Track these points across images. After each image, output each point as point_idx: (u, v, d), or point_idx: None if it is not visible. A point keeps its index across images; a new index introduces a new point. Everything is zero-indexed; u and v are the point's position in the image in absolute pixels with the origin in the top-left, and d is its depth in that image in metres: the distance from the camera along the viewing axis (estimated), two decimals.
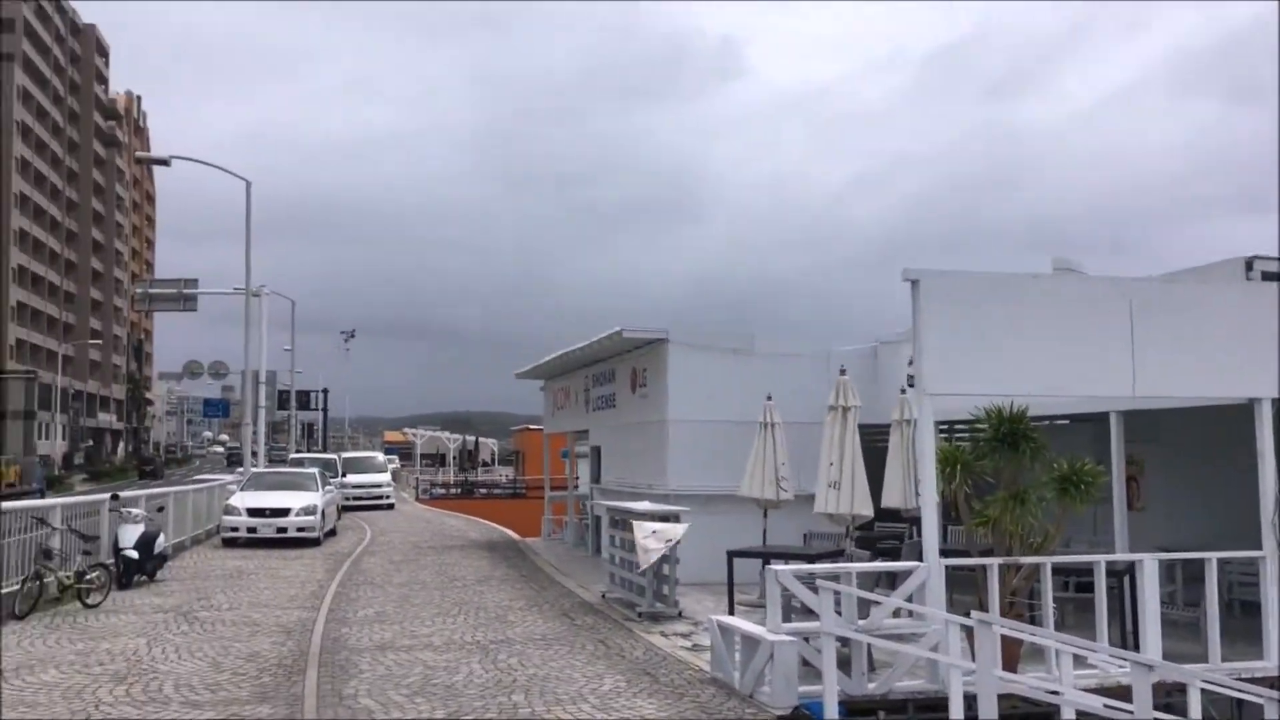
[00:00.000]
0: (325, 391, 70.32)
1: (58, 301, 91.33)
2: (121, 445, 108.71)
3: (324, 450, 57.49)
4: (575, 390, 19.71)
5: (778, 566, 7.66)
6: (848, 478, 9.56)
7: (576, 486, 24.66)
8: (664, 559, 11.56)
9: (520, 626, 11.12)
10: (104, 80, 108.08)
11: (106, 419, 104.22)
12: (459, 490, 51.14)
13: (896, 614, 8.35)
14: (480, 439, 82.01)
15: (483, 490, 51.90)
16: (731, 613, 11.09)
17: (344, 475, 33.12)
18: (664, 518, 11.60)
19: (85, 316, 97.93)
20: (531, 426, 56.61)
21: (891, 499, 11.69)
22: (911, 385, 13.49)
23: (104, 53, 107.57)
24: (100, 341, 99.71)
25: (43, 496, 54.90)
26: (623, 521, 12.59)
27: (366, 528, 25.99)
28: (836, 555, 10.93)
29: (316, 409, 69.06)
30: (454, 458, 71.08)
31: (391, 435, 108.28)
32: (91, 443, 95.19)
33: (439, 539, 23.22)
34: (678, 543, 11.32)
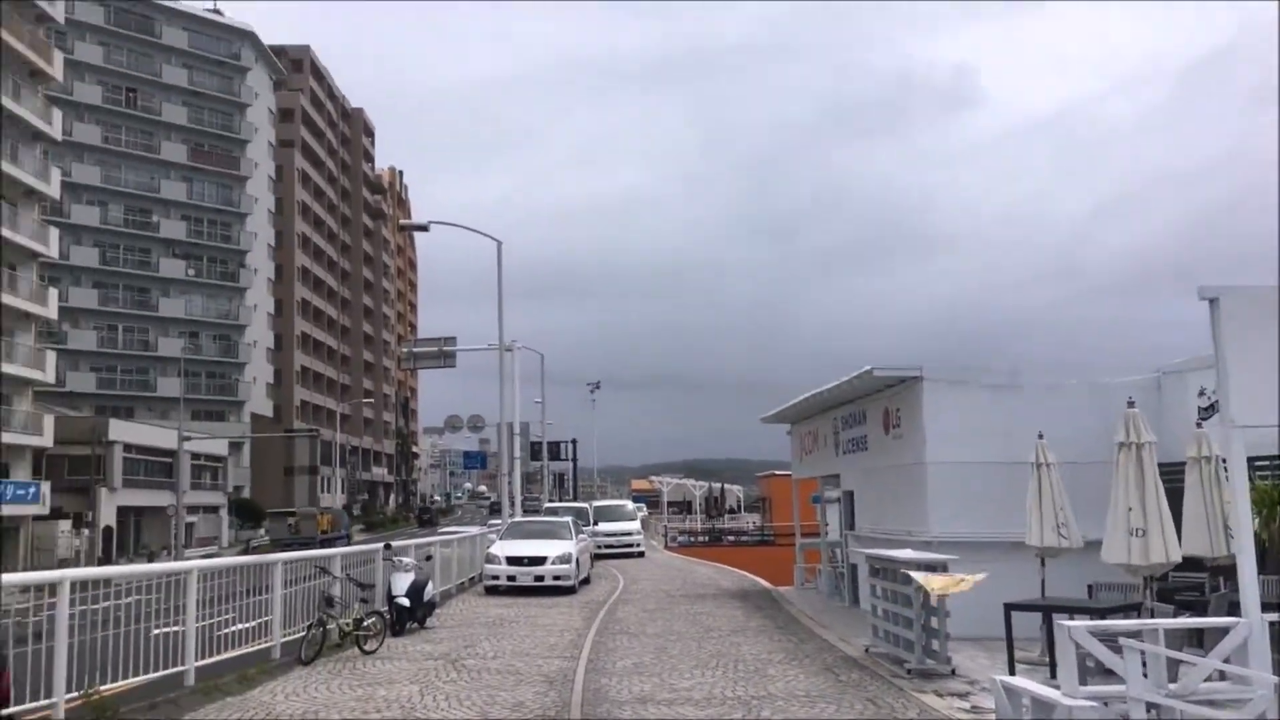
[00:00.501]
0: (574, 442, 72.37)
1: (335, 364, 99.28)
2: (392, 497, 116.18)
3: (575, 499, 59.09)
4: (824, 433, 19.15)
5: (1072, 623, 6.90)
6: (1154, 523, 8.56)
7: (826, 533, 23.94)
8: (933, 612, 10.85)
9: (781, 681, 10.68)
10: (370, 158, 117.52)
11: (379, 472, 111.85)
12: (706, 538, 51.12)
13: (1210, 677, 7.35)
14: (725, 485, 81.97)
15: (730, 537, 51.65)
16: (1012, 671, 10.23)
17: (595, 523, 33.75)
18: (929, 567, 10.89)
19: (359, 377, 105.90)
20: (777, 472, 55.96)
21: (1192, 546, 10.47)
22: (1206, 417, 12.17)
23: (370, 133, 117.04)
24: (372, 400, 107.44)
25: (349, 543, 59.35)
26: (884, 571, 11.95)
27: (619, 575, 26.25)
28: (1132, 609, 9.87)
29: (566, 459, 71.16)
30: (700, 505, 71.30)
31: (638, 483, 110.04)
32: (366, 495, 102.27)
33: (690, 587, 23.10)
34: (945, 596, 10.59)
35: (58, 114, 51.63)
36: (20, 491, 43.54)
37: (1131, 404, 9.70)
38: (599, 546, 30.76)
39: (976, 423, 13.67)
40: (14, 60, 46.27)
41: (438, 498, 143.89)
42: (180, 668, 9.96)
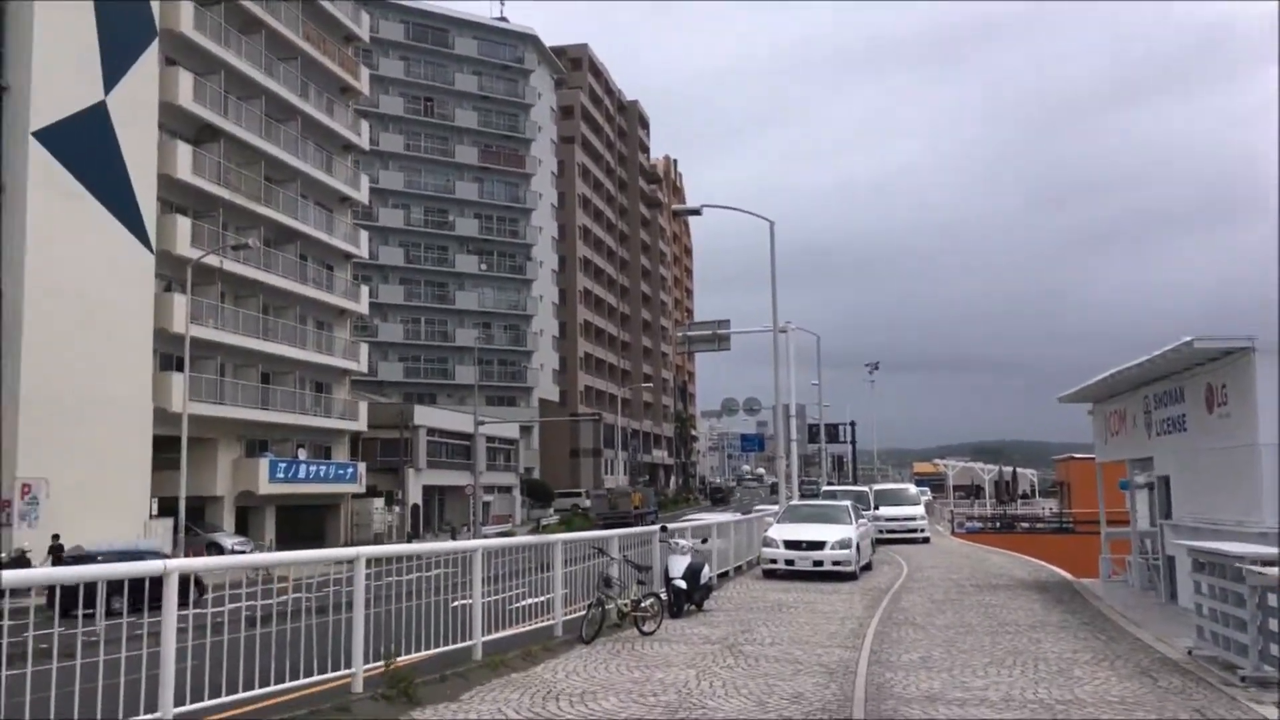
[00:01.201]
0: (852, 424, 70.83)
1: (615, 350, 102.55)
2: (672, 479, 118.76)
3: (854, 483, 57.79)
4: (1132, 413, 17.37)
5: None
6: None
7: (1135, 522, 21.84)
8: (1272, 613, 9.42)
9: (1089, 685, 9.64)
10: (645, 149, 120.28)
11: (659, 455, 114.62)
12: (997, 524, 48.48)
13: None
14: (1018, 469, 77.62)
15: (1024, 524, 48.73)
16: None
17: (876, 508, 32.71)
18: (1268, 562, 9.46)
19: (638, 362, 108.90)
20: (1077, 455, 52.18)
21: None
22: None
23: (645, 124, 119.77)
24: (651, 384, 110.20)
25: (655, 521, 62.39)
26: (1212, 566, 10.56)
27: (902, 562, 25.23)
28: None
29: (845, 442, 69.83)
30: (990, 489, 67.87)
31: (921, 467, 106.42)
32: (647, 477, 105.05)
33: (981, 577, 21.79)
34: None
35: (365, 126, 56.10)
36: (341, 471, 47.86)
37: None
38: (880, 531, 29.75)
39: None
40: (327, 79, 50.68)
41: (718, 480, 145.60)
42: (469, 642, 10.28)
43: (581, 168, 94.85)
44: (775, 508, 29.01)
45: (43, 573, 6.16)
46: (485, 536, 46.76)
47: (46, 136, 32.77)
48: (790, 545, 20.64)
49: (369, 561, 8.87)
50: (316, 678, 8.07)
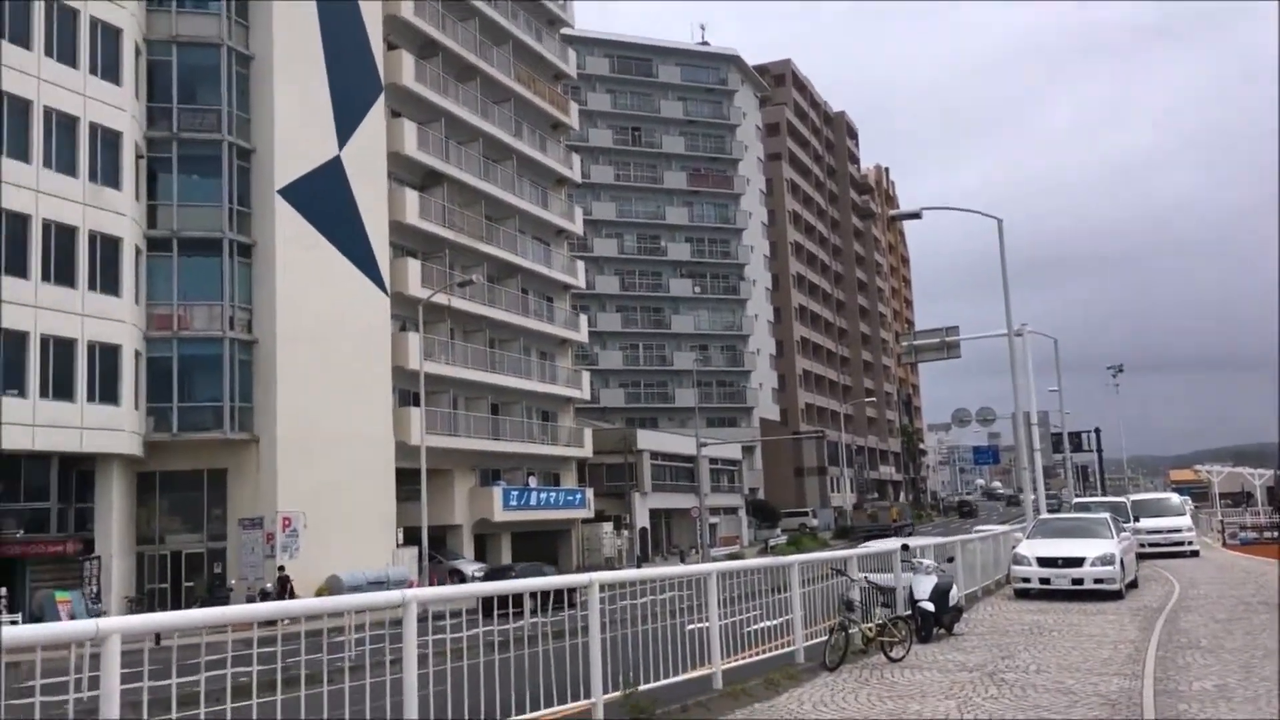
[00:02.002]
0: (1097, 431, 66.40)
1: (834, 366, 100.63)
2: (901, 495, 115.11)
3: (1101, 493, 53.92)
4: None
5: None
6: None
7: None
8: None
9: None
10: (854, 159, 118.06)
11: (886, 471, 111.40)
12: (1277, 533, 43.83)
13: None
14: None
15: None
16: None
17: (1135, 519, 30.14)
18: None
19: (859, 377, 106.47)
20: None
21: None
22: None
23: (853, 135, 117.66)
24: (874, 399, 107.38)
25: (911, 534, 62.30)
26: None
27: (1170, 579, 22.99)
28: None
29: (1089, 450, 65.45)
30: (1261, 496, 61.74)
31: (1178, 474, 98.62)
32: (875, 494, 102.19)
33: (1270, 593, 19.45)
34: None
35: (577, 159, 57.51)
36: (570, 497, 48.83)
37: None
38: (1141, 545, 27.32)
39: None
40: (538, 117, 52.28)
41: (955, 495, 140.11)
42: (707, 670, 9.82)
43: (790, 183, 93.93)
44: (986, 528, 27.17)
45: (278, 606, 6.15)
46: (714, 559, 46.46)
47: (289, 193, 35.22)
48: (1044, 563, 19.11)
49: (601, 586, 8.58)
50: (556, 708, 7.82)
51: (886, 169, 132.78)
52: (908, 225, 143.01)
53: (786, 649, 11.62)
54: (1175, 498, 36.43)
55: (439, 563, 37.98)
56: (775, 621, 11.91)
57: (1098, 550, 19.05)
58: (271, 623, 6.44)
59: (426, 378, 37.44)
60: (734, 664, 10.60)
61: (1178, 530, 31.80)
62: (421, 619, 7.53)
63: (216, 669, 6.17)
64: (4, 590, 27.02)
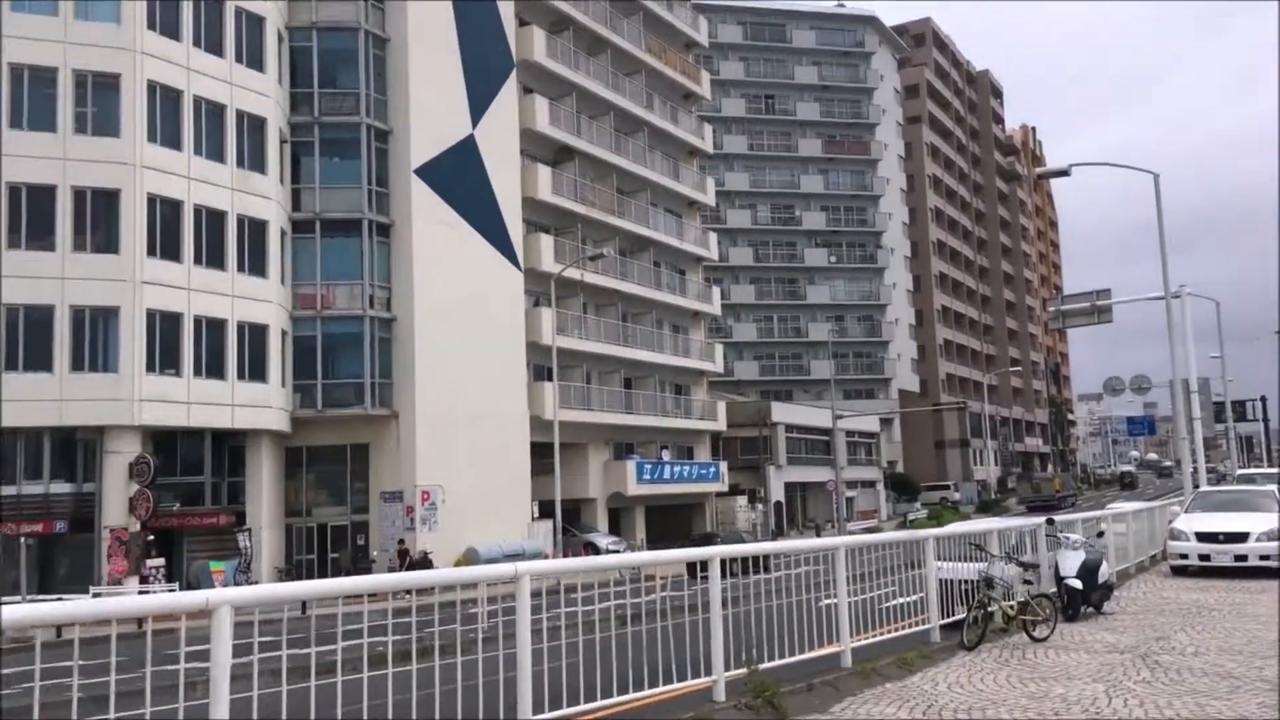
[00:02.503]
0: (1263, 399, 62.46)
1: (977, 335, 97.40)
2: (1050, 467, 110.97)
3: (1267, 465, 50.68)
4: None
5: None
6: None
7: None
8: None
9: None
10: (999, 120, 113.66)
11: (1033, 443, 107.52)
12: None
13: None
14: None
15: None
16: None
17: None
18: None
19: (1003, 346, 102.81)
20: None
21: None
22: None
23: (998, 94, 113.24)
24: (1020, 368, 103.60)
25: (1074, 505, 61.11)
26: None
27: None
28: None
29: (1255, 420, 61.71)
30: None
31: None
32: (1021, 467, 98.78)
33: None
34: None
35: (709, 130, 56.99)
36: (704, 470, 48.72)
37: None
38: None
39: None
40: (669, 88, 51.95)
41: (1107, 467, 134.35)
42: (836, 648, 9.49)
43: (930, 147, 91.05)
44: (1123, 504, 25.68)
45: (395, 578, 6.15)
46: (850, 533, 45.75)
47: (425, 172, 35.95)
48: (1203, 538, 17.97)
49: (725, 561, 8.35)
50: (676, 685, 7.64)
51: (1033, 129, 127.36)
52: (1056, 188, 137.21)
53: (921, 627, 11.17)
54: None
55: (573, 536, 38.45)
56: (909, 599, 11.46)
57: (1263, 525, 17.79)
58: (407, 592, 6.47)
59: (560, 352, 37.79)
60: (864, 642, 10.24)
61: None
62: (554, 592, 7.50)
63: (353, 639, 6.24)
64: (162, 560, 28.62)
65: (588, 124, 44.73)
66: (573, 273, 40.13)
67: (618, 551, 35.78)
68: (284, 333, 33.22)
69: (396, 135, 35.89)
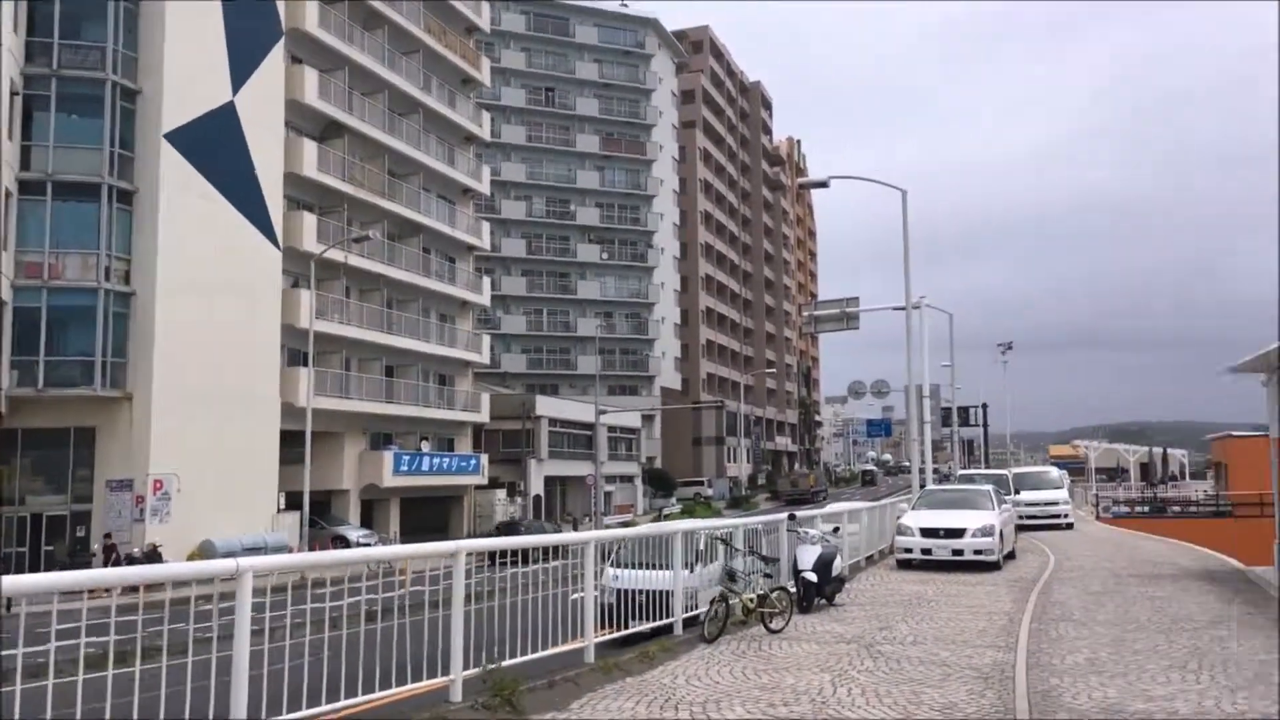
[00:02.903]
0: (984, 407, 68.12)
1: (738, 337, 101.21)
2: (796, 466, 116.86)
3: (985, 467, 55.30)
4: None
5: None
6: None
7: None
8: None
9: None
10: (768, 130, 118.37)
11: (783, 442, 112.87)
12: (1147, 508, 45.61)
13: None
14: (1168, 450, 73.42)
15: (1175, 508, 45.71)
16: None
17: (1016, 492, 30.89)
18: None
19: (761, 348, 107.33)
20: (1235, 434, 48.75)
21: None
22: None
23: (767, 105, 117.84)
24: (774, 370, 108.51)
25: (826, 500, 64.14)
26: None
27: (1047, 550, 23.57)
28: None
29: (976, 425, 67.18)
30: (1135, 472, 64.29)
31: (1057, 449, 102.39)
32: (770, 465, 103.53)
33: (1139, 565, 20.05)
34: None
35: (487, 117, 56.27)
36: (464, 463, 48.10)
37: None
38: (1020, 517, 27.99)
39: None
40: (448, 71, 50.91)
41: (847, 466, 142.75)
42: (580, 643, 9.49)
43: (703, 152, 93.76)
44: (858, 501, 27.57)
45: (95, 574, 5.62)
46: (606, 527, 46.43)
47: (177, 137, 33.56)
48: (927, 533, 19.33)
49: (471, 555, 8.15)
50: (412, 685, 7.39)
51: (799, 142, 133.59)
52: (816, 201, 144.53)
53: (665, 620, 11.37)
54: (1054, 472, 37.50)
55: (322, 528, 37.01)
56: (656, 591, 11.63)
57: (979, 522, 19.34)
58: (134, 589, 5.95)
59: (318, 337, 36.28)
60: (610, 636, 10.31)
61: (1055, 503, 32.75)
62: (299, 587, 7.07)
63: (68, 638, 5.64)
64: None
65: (360, 101, 43.17)
66: (336, 254, 38.60)
67: (369, 545, 34.73)
68: (2, 302, 30.13)
69: (146, 96, 33.32)
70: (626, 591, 10.73)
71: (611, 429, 63.78)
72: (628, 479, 69.28)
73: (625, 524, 50.81)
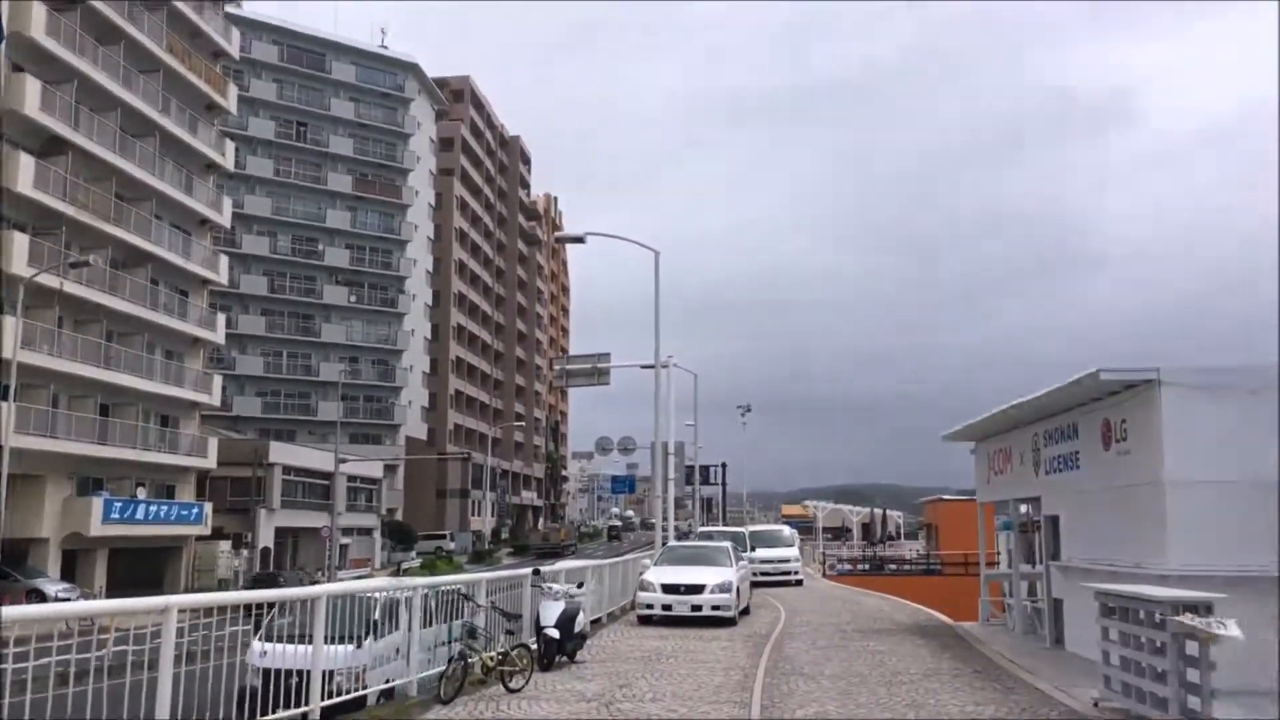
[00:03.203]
0: (724, 466, 70.72)
1: (488, 389, 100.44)
2: (541, 520, 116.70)
3: (723, 525, 57.29)
4: (1020, 451, 16.98)
5: None
6: None
7: (994, 564, 21.60)
8: (1192, 663, 8.81)
9: None
10: (526, 185, 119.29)
11: (528, 496, 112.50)
12: (867, 566, 48.55)
13: None
14: (887, 511, 78.66)
15: (892, 565, 48.93)
16: None
17: (752, 549, 32.00)
18: (1191, 607, 8.84)
19: (510, 401, 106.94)
20: (945, 497, 52.92)
21: None
22: None
23: (526, 160, 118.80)
24: (523, 424, 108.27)
25: (574, 553, 63.19)
26: (1125, 611, 9.91)
27: (778, 606, 24.46)
28: None
29: (715, 484, 69.60)
30: (857, 531, 68.42)
31: (789, 509, 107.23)
32: (514, 519, 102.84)
33: (862, 621, 21.11)
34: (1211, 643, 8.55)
35: (230, 146, 53.45)
36: (185, 512, 44.62)
37: None
38: (755, 574, 28.98)
39: (1227, 435, 11.45)
40: (191, 95, 48.04)
41: (591, 522, 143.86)
42: (304, 709, 8.78)
43: (460, 201, 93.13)
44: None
45: None
46: (340, 580, 44.34)
47: None
48: (668, 589, 19.56)
49: (184, 611, 7.38)
50: None
51: (555, 198, 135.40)
52: (572, 258, 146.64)
53: (399, 680, 10.79)
54: (787, 530, 39.20)
55: (15, 581, 33.19)
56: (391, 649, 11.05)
57: (717, 578, 19.78)
58: None
59: (23, 369, 32.83)
60: (336, 700, 9.64)
61: (787, 560, 34.18)
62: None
63: None
64: None
65: (88, 117, 39.90)
66: (50, 280, 35.22)
67: (69, 599, 31.43)
68: None
69: None
70: (276, 671, 8.58)
71: (351, 479, 61.37)
72: (366, 531, 66.66)
73: (360, 577, 48.67)
